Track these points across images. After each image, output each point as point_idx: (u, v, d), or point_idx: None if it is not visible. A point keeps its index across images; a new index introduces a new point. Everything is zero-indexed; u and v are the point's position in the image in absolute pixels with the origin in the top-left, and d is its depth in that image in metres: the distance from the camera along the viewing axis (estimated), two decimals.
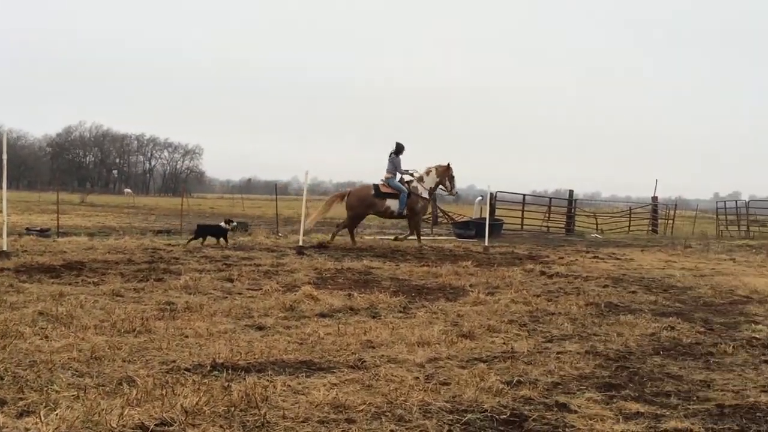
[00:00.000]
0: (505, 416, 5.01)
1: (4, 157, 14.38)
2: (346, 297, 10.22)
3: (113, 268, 12.56)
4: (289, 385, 5.53)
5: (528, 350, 7.15)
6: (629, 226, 41.31)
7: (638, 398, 5.62)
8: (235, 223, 20.81)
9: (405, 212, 20.63)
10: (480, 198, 35.61)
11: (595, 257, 19.34)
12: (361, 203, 20.33)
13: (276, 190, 33.31)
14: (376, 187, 20.53)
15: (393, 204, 20.40)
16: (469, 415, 4.99)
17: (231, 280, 11.55)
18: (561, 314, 9.43)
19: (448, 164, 21.15)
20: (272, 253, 16.77)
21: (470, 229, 27.54)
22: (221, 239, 18.50)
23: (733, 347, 7.54)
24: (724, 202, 45.84)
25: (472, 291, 11.09)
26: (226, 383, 5.43)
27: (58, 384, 5.30)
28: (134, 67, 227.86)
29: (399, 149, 20.68)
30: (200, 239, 18.49)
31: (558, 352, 7.12)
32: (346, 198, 20.64)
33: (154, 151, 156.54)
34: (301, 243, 18.44)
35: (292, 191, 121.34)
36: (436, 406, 5.15)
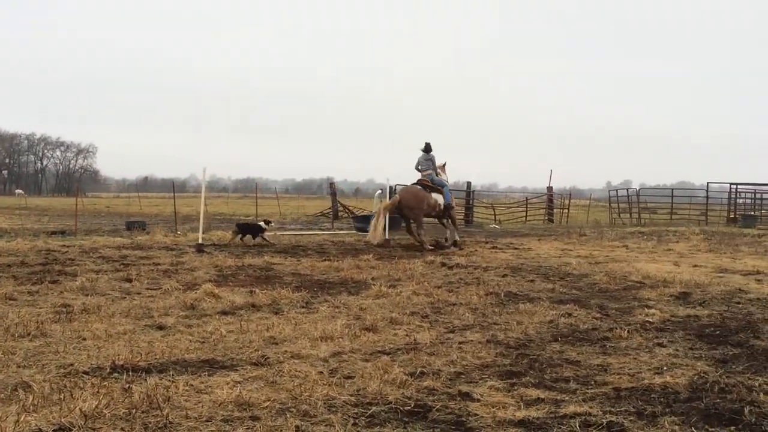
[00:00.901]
0: (409, 407, 5.05)
1: None
2: (247, 294, 10.13)
3: (5, 271, 12.16)
4: (192, 385, 5.46)
5: (430, 341, 7.23)
6: (526, 216, 42.11)
7: (538, 384, 5.74)
8: (272, 223, 21.21)
9: (451, 205, 20.71)
10: (380, 191, 35.56)
11: (493, 247, 19.66)
12: (418, 199, 19.86)
13: (174, 187, 32.87)
14: (420, 184, 20.30)
15: (439, 198, 20.27)
16: (374, 408, 5.01)
17: (129, 280, 11.32)
18: (462, 305, 9.56)
19: (444, 163, 21.36)
20: (171, 251, 16.50)
21: (370, 222, 27.57)
22: (259, 237, 19.31)
23: (628, 331, 7.77)
24: (616, 190, 47.08)
25: (374, 284, 11.14)
26: (127, 385, 5.33)
27: None
28: (21, 64, 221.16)
29: (429, 148, 20.54)
30: (239, 236, 19.37)
31: (460, 342, 7.22)
32: (400, 201, 20.04)
33: (45, 151, 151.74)
34: (200, 241, 18.16)
35: (191, 188, 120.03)
36: (341, 400, 5.16)
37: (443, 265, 14.46)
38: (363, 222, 28.20)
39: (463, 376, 5.96)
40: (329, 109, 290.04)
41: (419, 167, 20.61)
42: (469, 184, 39.91)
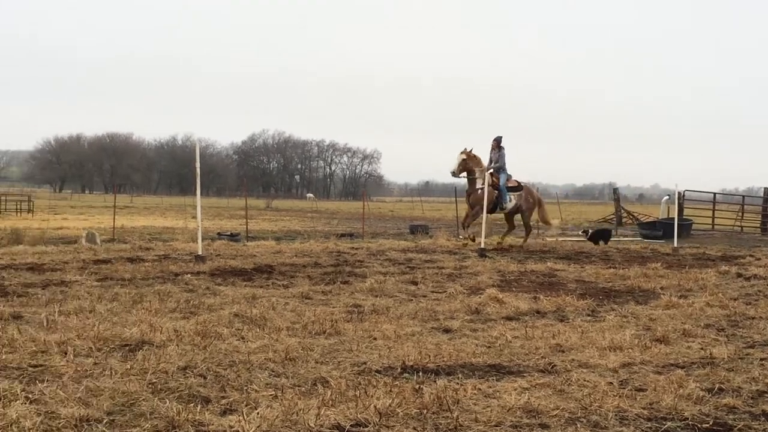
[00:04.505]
0: (707, 425, 4.77)
1: (198, 165, 15.00)
2: (531, 300, 10.07)
3: (301, 271, 12.92)
4: (480, 389, 5.48)
5: (728, 356, 6.79)
6: None
7: None
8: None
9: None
10: (667, 197, 34.47)
11: None
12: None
13: (455, 192, 33.41)
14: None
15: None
16: (669, 423, 4.78)
17: (415, 283, 11.63)
18: (762, 318, 8.93)
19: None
20: (454, 255, 16.79)
21: (657, 229, 26.66)
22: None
23: None
24: None
25: (663, 294, 10.68)
26: (417, 385, 5.44)
27: (257, 383, 5.48)
28: (313, 77, 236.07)
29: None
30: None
31: (761, 359, 6.73)
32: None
33: (333, 157, 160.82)
34: (482, 245, 18.29)
35: None
36: (633, 413, 4.97)
37: (739, 275, 13.60)
38: (649, 228, 27.32)
39: (766, 395, 5.55)
40: (611, 110, 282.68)
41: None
42: (766, 189, 37.18)
